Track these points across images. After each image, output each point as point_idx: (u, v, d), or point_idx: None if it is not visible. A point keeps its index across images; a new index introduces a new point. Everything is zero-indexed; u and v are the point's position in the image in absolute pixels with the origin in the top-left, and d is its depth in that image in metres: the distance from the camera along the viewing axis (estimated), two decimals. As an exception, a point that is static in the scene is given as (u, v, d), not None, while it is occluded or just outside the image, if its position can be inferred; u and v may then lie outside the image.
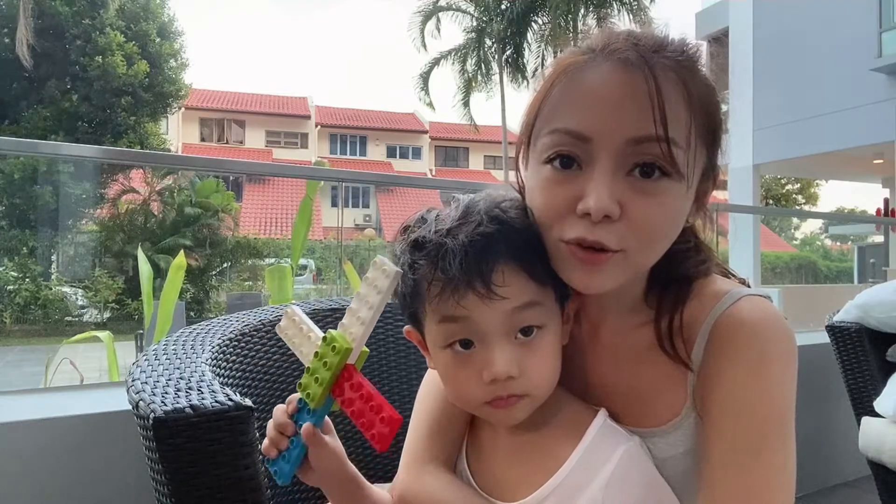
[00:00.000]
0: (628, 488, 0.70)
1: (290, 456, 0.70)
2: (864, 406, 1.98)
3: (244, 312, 1.15)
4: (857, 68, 9.97)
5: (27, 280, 13.59)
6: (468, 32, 18.97)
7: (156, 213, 15.87)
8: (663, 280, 0.76)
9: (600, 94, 0.66)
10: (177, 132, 26.79)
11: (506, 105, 19.34)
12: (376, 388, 0.67)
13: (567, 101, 0.69)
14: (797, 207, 29.60)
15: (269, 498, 0.78)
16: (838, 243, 31.30)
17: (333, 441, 0.73)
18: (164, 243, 14.57)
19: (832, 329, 2.07)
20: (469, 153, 32.66)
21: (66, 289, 14.52)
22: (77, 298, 14.62)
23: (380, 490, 0.82)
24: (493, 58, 18.73)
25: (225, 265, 16.34)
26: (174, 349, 0.94)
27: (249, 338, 1.06)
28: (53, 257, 15.88)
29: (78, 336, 3.59)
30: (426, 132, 31.64)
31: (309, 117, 30.19)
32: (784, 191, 30.90)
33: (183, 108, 22.73)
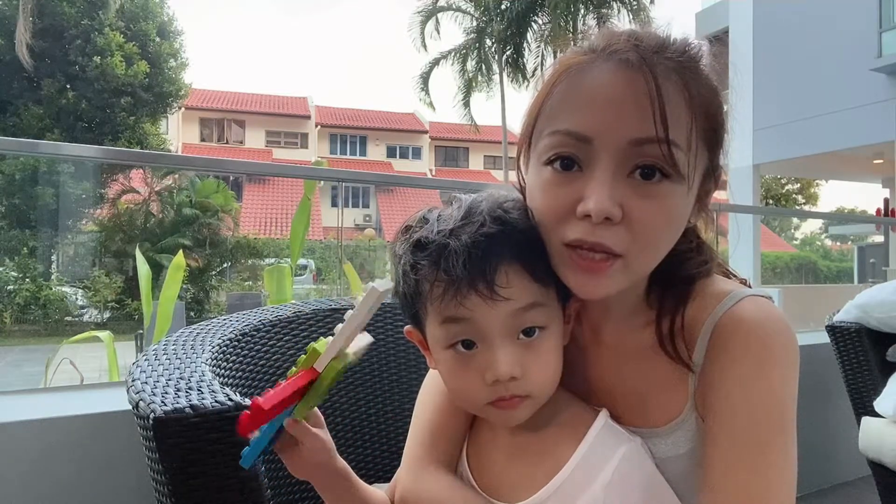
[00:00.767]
0: (629, 489, 0.70)
1: (257, 442, 0.68)
2: (864, 406, 1.98)
3: (244, 312, 1.15)
4: (857, 68, 9.97)
5: (27, 280, 13.60)
6: (468, 33, 18.99)
7: (155, 213, 15.87)
8: (665, 280, 0.76)
9: (601, 96, 0.66)
10: (177, 132, 26.79)
11: (506, 105, 19.36)
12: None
13: (568, 101, 0.68)
14: (797, 207, 29.59)
15: (268, 498, 0.78)
16: (838, 243, 31.28)
17: (323, 434, 0.73)
18: (163, 243, 14.57)
19: (832, 329, 2.07)
20: (469, 153, 32.65)
21: (66, 289, 14.52)
22: (77, 298, 14.62)
23: (374, 489, 0.82)
24: (493, 58, 18.73)
25: (225, 265, 16.34)
26: (174, 349, 0.94)
27: (249, 338, 1.06)
28: (53, 257, 15.88)
29: (78, 336, 3.59)
30: (426, 132, 31.63)
31: (309, 117, 30.18)
32: (784, 191, 30.90)
33: (183, 108, 22.73)
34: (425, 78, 19.28)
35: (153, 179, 15.87)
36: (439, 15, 18.93)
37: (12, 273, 13.65)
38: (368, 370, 1.20)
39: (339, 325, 0.69)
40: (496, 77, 18.96)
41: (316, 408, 0.71)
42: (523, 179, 0.77)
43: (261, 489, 0.76)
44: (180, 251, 3.75)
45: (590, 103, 0.67)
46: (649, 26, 0.72)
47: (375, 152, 31.12)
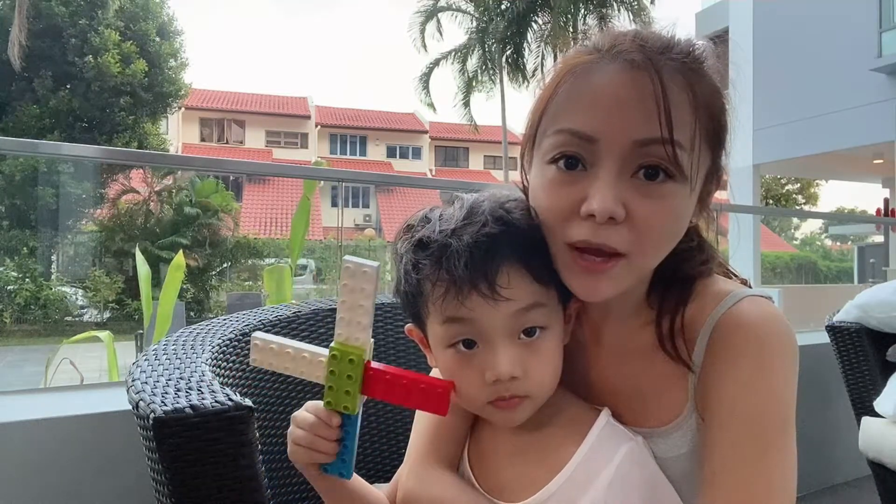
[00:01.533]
0: (631, 488, 0.70)
1: (348, 453, 0.70)
2: (864, 406, 1.98)
3: (244, 312, 1.15)
4: (857, 68, 9.97)
5: (27, 280, 13.60)
6: (468, 33, 18.99)
7: (155, 213, 15.87)
8: (665, 280, 0.76)
9: (607, 96, 0.66)
10: (177, 132, 26.79)
11: (506, 105, 19.36)
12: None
13: (573, 101, 0.68)
14: (797, 207, 29.58)
15: (268, 498, 0.78)
16: (838, 243, 31.29)
17: None
18: (163, 243, 14.58)
19: (832, 329, 2.07)
20: (469, 153, 32.65)
21: (67, 289, 14.52)
22: (77, 298, 14.63)
23: (374, 489, 0.82)
24: (494, 58, 18.73)
25: (225, 265, 16.35)
26: (174, 349, 0.94)
27: (250, 338, 1.06)
28: (53, 257, 15.88)
29: (78, 336, 3.59)
30: (426, 132, 31.63)
31: (309, 117, 30.18)
32: (784, 191, 30.90)
33: (183, 108, 22.72)
34: (425, 78, 19.28)
35: (153, 179, 15.87)
36: (439, 15, 18.93)
37: (12, 273, 13.65)
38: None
39: (352, 323, 0.68)
40: (496, 77, 18.96)
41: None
42: (526, 178, 0.77)
43: (261, 489, 0.76)
44: (180, 251, 3.75)
45: (595, 103, 0.67)
46: (651, 27, 0.72)
47: (375, 152, 31.12)
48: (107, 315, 14.27)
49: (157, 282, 4.20)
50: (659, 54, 0.67)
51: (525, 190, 0.77)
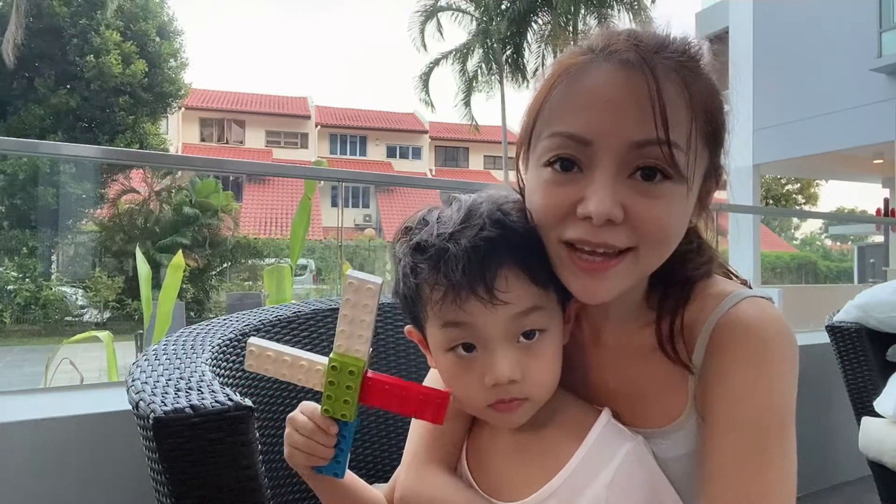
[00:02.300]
0: (632, 488, 0.70)
1: (342, 455, 0.72)
2: (864, 406, 1.98)
3: (244, 312, 1.15)
4: (857, 68, 9.96)
5: (27, 280, 13.59)
6: (469, 33, 18.98)
7: (155, 213, 15.87)
8: (665, 281, 0.76)
9: (601, 97, 0.66)
10: (177, 132, 26.78)
11: (506, 105, 19.35)
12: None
13: (567, 103, 0.68)
14: (797, 207, 29.57)
15: (268, 498, 0.78)
16: (838, 243, 31.27)
17: None
18: (163, 243, 14.57)
19: (832, 329, 2.07)
20: (469, 153, 32.64)
21: (66, 289, 14.52)
22: (77, 298, 14.62)
23: (373, 489, 0.82)
24: (494, 58, 18.72)
25: (225, 265, 16.34)
26: (174, 349, 0.94)
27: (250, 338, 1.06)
28: (53, 257, 15.88)
29: (78, 336, 3.59)
30: (426, 132, 31.62)
31: (309, 117, 30.17)
32: (784, 191, 30.88)
33: (183, 108, 22.72)
34: (426, 78, 19.27)
35: (153, 179, 15.86)
36: (439, 15, 18.92)
37: (12, 273, 13.64)
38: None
39: (353, 336, 0.69)
40: (496, 77, 18.95)
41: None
42: (522, 180, 0.76)
43: (261, 489, 0.76)
44: (179, 251, 3.75)
45: (589, 105, 0.66)
46: (650, 26, 0.71)
47: (375, 152, 31.11)
48: (107, 315, 14.26)
49: (157, 282, 4.19)
50: (653, 53, 0.66)
51: (522, 192, 0.76)
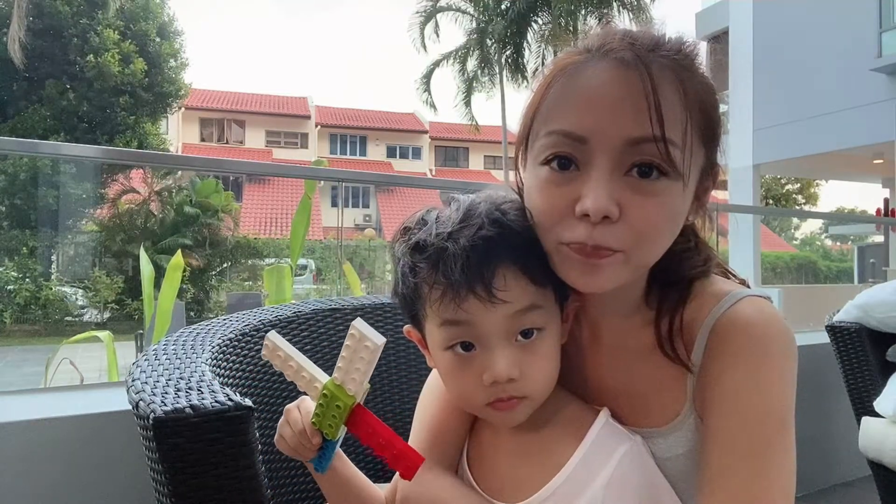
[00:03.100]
0: (630, 488, 0.70)
1: (325, 457, 0.75)
2: (864, 406, 1.98)
3: (244, 312, 1.15)
4: (857, 68, 9.96)
5: (27, 280, 13.59)
6: (469, 33, 18.98)
7: (155, 213, 15.87)
8: (663, 280, 0.76)
9: (597, 95, 0.66)
10: (177, 132, 26.78)
11: (506, 105, 19.35)
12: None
13: (563, 102, 0.68)
14: (797, 207, 29.57)
15: (268, 498, 0.78)
16: (838, 243, 31.27)
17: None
18: (163, 243, 14.57)
19: (832, 329, 2.07)
20: (469, 153, 32.65)
21: (66, 289, 14.52)
22: (77, 298, 14.63)
23: (376, 488, 0.82)
24: (494, 58, 18.72)
25: (225, 265, 16.34)
26: (174, 349, 0.94)
27: (249, 338, 1.06)
28: (53, 257, 15.88)
29: (78, 336, 3.59)
30: (426, 132, 31.62)
31: (309, 117, 30.17)
32: (784, 191, 30.88)
33: (183, 108, 22.71)
34: (427, 80, 19.28)
35: (153, 179, 15.86)
36: (439, 15, 18.92)
37: (12, 273, 13.64)
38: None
39: (348, 376, 0.70)
40: (496, 77, 18.95)
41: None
42: (521, 180, 0.77)
43: (261, 489, 0.76)
44: (179, 251, 3.75)
45: (585, 103, 0.67)
46: (650, 26, 0.72)
47: (375, 152, 31.11)
48: (107, 315, 14.26)
49: (157, 283, 4.20)
50: (649, 52, 0.67)
51: (520, 191, 0.77)
